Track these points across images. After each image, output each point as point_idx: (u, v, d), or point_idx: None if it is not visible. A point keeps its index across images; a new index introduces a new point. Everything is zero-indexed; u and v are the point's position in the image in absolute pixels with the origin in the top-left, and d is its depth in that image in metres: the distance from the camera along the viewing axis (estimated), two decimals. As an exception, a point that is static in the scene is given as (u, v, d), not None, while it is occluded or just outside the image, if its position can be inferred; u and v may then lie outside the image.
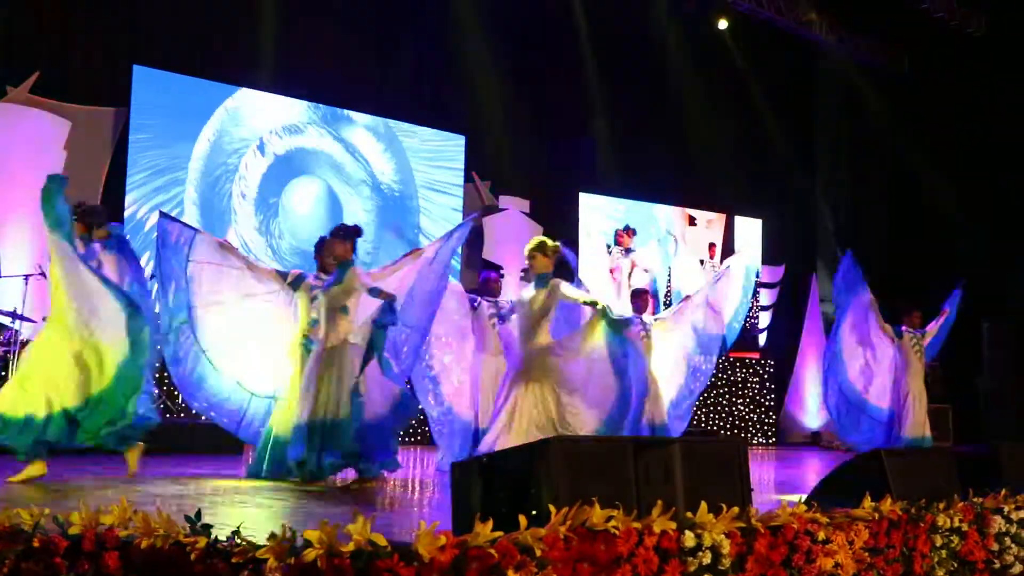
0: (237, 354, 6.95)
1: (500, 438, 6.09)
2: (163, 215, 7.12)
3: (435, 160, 13.19)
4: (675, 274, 15.22)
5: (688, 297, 9.73)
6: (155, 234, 7.00)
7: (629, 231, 14.40)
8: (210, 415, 7.09)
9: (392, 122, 12.78)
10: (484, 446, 6.23)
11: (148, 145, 10.85)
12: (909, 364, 9.73)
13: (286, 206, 11.70)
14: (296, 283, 6.98)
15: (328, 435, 6.27)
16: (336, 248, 6.63)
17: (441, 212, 13.10)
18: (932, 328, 10.04)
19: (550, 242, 6.70)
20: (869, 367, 9.78)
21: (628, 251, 14.57)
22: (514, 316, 8.14)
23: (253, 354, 7.03)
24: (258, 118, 11.63)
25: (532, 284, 6.65)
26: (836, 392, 9.70)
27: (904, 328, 9.81)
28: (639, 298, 9.39)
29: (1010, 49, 14.73)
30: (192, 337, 6.85)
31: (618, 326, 6.32)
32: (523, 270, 7.55)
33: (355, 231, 6.69)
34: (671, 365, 9.39)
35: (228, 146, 11.37)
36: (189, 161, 11.15)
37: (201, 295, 6.86)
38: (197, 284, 6.86)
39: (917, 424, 9.64)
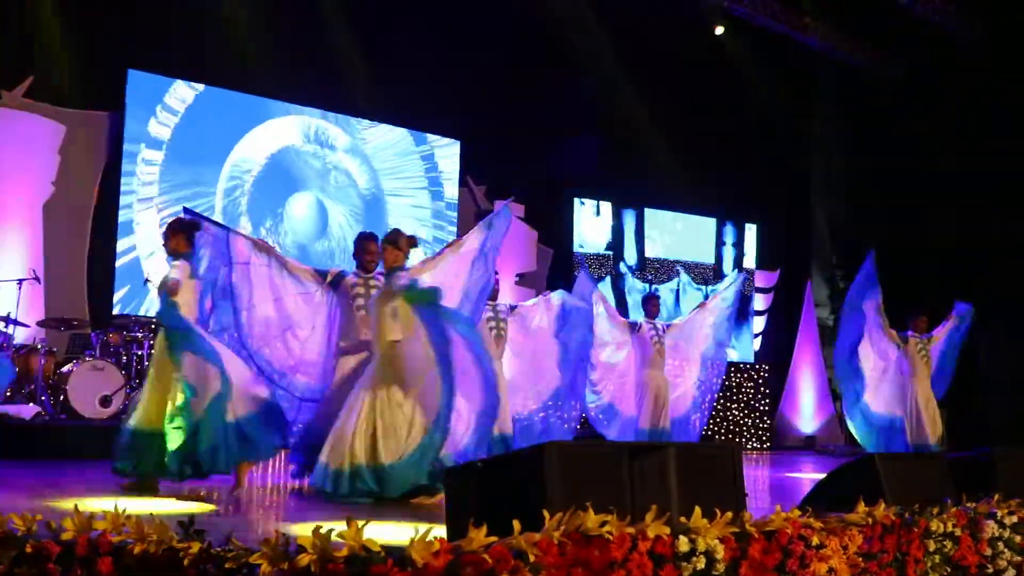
0: (280, 357, 6.53)
1: (357, 440, 5.73)
2: (188, 211, 6.49)
3: (427, 165, 13.27)
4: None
5: (702, 304, 9.70)
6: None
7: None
8: None
9: (383, 127, 12.90)
10: (330, 449, 5.83)
11: (156, 152, 11.03)
12: (916, 370, 9.58)
13: (289, 214, 12.23)
14: (336, 282, 6.60)
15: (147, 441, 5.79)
16: (169, 242, 6.07)
17: (422, 216, 13.14)
18: (939, 333, 9.94)
19: (405, 234, 6.27)
20: (884, 379, 9.67)
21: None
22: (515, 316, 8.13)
23: (293, 356, 6.60)
24: (264, 132, 12.02)
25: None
26: (866, 423, 9.57)
27: (910, 333, 9.68)
28: (650, 303, 9.36)
29: (1008, 56, 14.77)
30: (240, 342, 6.38)
31: (424, 298, 5.80)
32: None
33: (189, 225, 6.10)
34: (684, 371, 9.39)
35: (242, 164, 11.82)
36: (183, 167, 11.26)
37: (243, 297, 6.42)
38: (240, 287, 6.41)
39: (932, 430, 9.53)
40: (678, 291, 15.31)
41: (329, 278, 6.61)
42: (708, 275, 15.67)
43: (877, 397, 9.64)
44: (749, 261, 16.15)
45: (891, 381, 9.71)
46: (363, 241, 6.68)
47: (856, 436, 9.88)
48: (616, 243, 14.95)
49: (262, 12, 11.41)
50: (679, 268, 15.44)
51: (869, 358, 9.65)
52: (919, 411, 9.58)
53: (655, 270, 15.24)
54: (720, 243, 16.01)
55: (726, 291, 9.75)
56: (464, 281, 6.69)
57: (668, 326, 9.40)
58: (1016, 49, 14.63)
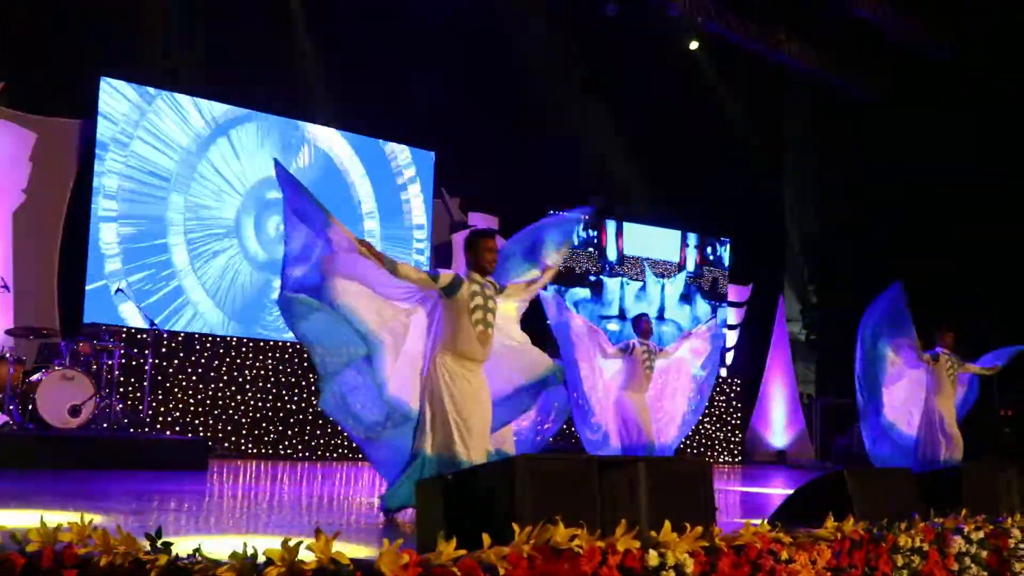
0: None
1: None
2: (279, 166, 5.40)
3: (404, 176, 13.26)
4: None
5: (689, 334, 9.55)
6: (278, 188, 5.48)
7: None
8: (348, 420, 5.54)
9: (360, 138, 12.88)
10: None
11: (124, 158, 10.89)
12: (941, 387, 9.24)
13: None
14: (453, 288, 5.47)
15: None
16: None
17: (404, 228, 13.15)
18: (972, 367, 9.58)
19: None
20: (907, 402, 9.43)
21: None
22: None
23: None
24: (235, 140, 11.87)
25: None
26: (888, 443, 9.33)
27: (940, 350, 9.34)
28: (641, 323, 9.05)
29: (977, 75, 14.96)
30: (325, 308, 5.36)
31: None
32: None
33: None
34: (672, 397, 9.31)
35: (211, 172, 11.72)
36: (171, 179, 11.18)
37: (336, 271, 5.40)
38: (330, 264, 5.40)
39: (954, 446, 9.25)
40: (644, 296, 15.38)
41: (445, 282, 5.48)
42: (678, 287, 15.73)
43: (909, 422, 9.41)
44: (722, 275, 16.23)
45: (915, 402, 9.39)
46: (482, 238, 5.61)
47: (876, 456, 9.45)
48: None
49: (236, 22, 11.39)
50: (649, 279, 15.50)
51: (900, 387, 9.43)
52: (938, 430, 9.26)
53: (630, 267, 15.30)
54: (693, 255, 16.08)
55: (708, 336, 9.52)
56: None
57: (660, 351, 9.15)
58: (984, 68, 14.83)
